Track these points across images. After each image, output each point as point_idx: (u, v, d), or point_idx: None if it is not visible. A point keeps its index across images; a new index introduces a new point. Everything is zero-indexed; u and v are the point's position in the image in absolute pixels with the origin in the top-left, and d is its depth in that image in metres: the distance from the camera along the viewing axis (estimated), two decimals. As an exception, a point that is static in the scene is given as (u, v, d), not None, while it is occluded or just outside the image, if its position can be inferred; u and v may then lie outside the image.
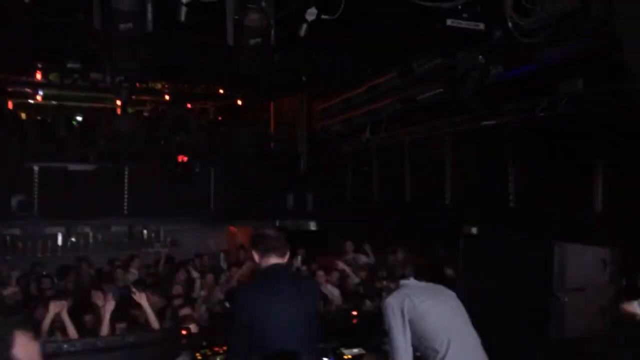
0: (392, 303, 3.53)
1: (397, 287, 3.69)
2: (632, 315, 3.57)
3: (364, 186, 10.70)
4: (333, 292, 6.93)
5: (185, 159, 11.68)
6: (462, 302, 3.70)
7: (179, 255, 10.00)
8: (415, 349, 3.46)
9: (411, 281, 3.67)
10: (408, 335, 3.44)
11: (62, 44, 7.73)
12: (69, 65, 8.88)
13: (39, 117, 12.38)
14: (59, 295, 6.25)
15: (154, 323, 5.11)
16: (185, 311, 5.23)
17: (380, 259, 7.72)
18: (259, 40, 5.61)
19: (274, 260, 3.27)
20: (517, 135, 7.20)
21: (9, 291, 6.56)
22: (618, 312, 3.79)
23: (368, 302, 6.12)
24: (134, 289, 5.18)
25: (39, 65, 10.26)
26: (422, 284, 3.75)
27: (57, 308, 4.82)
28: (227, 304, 4.99)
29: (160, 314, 5.88)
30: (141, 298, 5.09)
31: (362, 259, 8.81)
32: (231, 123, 13.84)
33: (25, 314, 5.57)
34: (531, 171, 7.06)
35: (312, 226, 11.56)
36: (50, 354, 3.99)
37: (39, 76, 11.04)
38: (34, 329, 1.60)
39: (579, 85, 6.09)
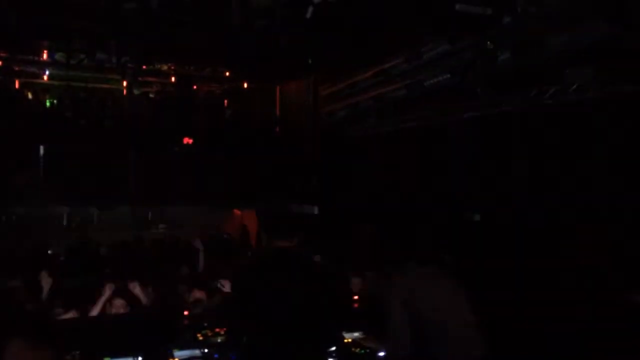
0: (391, 288, 3.54)
1: (397, 272, 3.69)
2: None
3: (369, 171, 10.67)
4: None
5: (191, 141, 11.68)
6: (463, 288, 3.71)
7: (182, 237, 10.05)
8: (412, 332, 3.47)
9: (411, 266, 3.67)
10: (405, 320, 3.46)
11: (68, 23, 7.69)
12: (75, 45, 8.86)
13: (45, 97, 12.38)
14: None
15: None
16: (199, 294, 5.24)
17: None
18: (264, 22, 5.58)
19: (281, 243, 3.27)
20: (523, 123, 7.14)
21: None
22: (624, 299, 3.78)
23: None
24: (131, 283, 5.31)
25: (45, 45, 10.26)
26: (422, 269, 3.75)
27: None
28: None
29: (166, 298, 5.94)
30: (135, 287, 5.26)
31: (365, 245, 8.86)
32: (237, 106, 13.80)
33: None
34: (536, 159, 7.02)
35: (316, 210, 11.56)
36: (53, 331, 4.02)
37: (45, 56, 11.02)
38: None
39: (589, 73, 6.01)
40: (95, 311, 4.91)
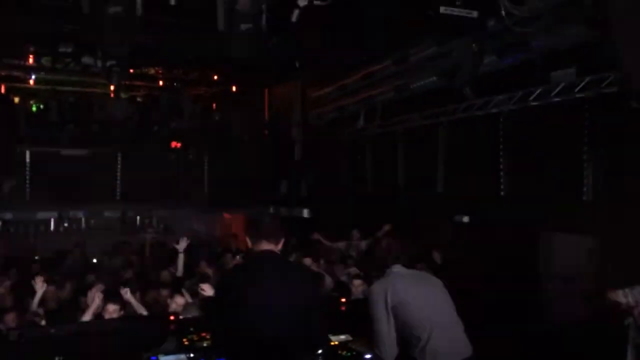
0: (376, 290, 3.54)
1: (383, 274, 3.69)
2: (617, 304, 3.59)
3: (358, 174, 10.70)
4: (325, 279, 6.95)
5: (179, 145, 11.66)
6: (448, 290, 3.72)
7: (171, 241, 9.99)
8: (399, 335, 3.47)
9: (397, 268, 3.67)
10: (392, 323, 3.46)
11: (53, 27, 7.64)
12: (61, 49, 8.80)
13: (31, 101, 12.29)
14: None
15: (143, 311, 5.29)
16: (179, 300, 5.23)
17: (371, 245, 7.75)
18: (250, 25, 5.58)
19: (265, 246, 3.24)
20: (509, 124, 7.20)
21: None
22: (603, 300, 3.82)
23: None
24: (123, 289, 5.30)
25: (31, 49, 10.18)
26: (408, 271, 3.76)
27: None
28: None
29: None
30: (126, 293, 5.24)
31: (362, 245, 8.84)
32: (225, 109, 13.78)
33: None
34: (522, 160, 7.07)
35: (306, 213, 11.56)
36: (36, 338, 4.00)
37: (31, 60, 10.92)
38: None
39: (572, 75, 6.08)
40: (87, 317, 4.91)
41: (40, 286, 5.40)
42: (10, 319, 4.83)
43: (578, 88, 6.02)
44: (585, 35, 5.50)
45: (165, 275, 6.78)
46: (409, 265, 3.87)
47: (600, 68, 5.69)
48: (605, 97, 5.71)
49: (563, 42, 5.82)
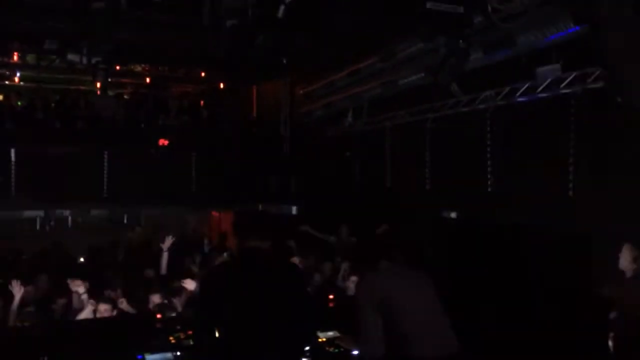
0: (363, 287, 3.54)
1: (370, 271, 3.68)
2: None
3: (346, 170, 10.70)
4: (314, 277, 6.95)
5: (167, 142, 11.57)
6: (435, 285, 3.72)
7: (158, 240, 9.93)
8: (385, 332, 3.47)
9: (384, 265, 3.67)
10: (378, 320, 3.45)
11: (38, 23, 7.55)
12: (46, 45, 8.70)
13: (16, 99, 12.15)
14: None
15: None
16: (156, 299, 5.22)
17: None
18: (235, 21, 5.55)
19: (253, 244, 3.24)
20: (496, 121, 7.23)
21: None
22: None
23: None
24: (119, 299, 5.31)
25: (16, 47, 10.08)
26: (395, 268, 3.75)
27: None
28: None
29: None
30: (122, 303, 5.25)
31: (351, 242, 8.85)
32: (213, 106, 13.71)
33: None
34: (509, 156, 7.11)
35: (294, 210, 11.54)
36: (20, 337, 3.96)
37: (16, 57, 10.82)
38: None
39: (557, 70, 6.10)
40: (82, 316, 4.90)
41: (17, 290, 5.36)
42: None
43: (564, 84, 6.05)
44: (573, 31, 5.52)
45: (149, 273, 6.74)
46: (396, 262, 3.87)
47: (586, 63, 5.72)
48: (591, 92, 5.74)
49: (549, 38, 5.84)
